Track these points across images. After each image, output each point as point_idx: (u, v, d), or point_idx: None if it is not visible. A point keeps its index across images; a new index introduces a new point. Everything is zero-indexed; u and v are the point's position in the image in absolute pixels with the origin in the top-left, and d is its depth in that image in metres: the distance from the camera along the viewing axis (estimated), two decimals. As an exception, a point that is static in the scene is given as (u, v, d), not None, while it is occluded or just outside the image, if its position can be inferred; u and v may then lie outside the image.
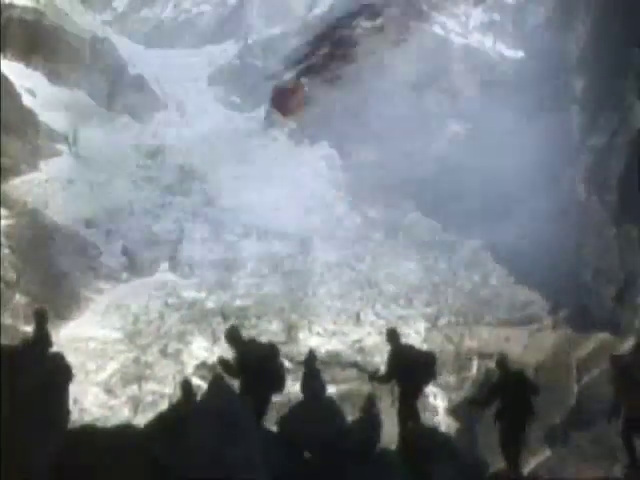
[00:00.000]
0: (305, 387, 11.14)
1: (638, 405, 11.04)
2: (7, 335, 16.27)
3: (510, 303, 24.15)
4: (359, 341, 22.52)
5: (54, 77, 32.05)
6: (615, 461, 15.15)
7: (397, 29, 33.11)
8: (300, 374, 11.51)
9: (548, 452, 19.01)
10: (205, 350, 21.34)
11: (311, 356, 11.66)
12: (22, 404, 8.96)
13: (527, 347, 22.11)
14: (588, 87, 25.77)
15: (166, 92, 34.56)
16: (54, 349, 10.25)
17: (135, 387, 20.48)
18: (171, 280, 25.03)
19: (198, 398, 10.26)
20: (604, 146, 24.21)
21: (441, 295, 24.68)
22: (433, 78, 31.11)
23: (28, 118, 28.53)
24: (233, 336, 10.94)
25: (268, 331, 21.80)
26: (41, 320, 10.47)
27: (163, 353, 21.67)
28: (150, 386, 20.51)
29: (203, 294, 24.30)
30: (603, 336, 21.60)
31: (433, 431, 13.30)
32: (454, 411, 20.43)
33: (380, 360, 16.76)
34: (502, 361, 11.53)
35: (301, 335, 22.55)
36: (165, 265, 25.63)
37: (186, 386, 10.86)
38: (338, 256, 26.01)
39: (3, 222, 23.29)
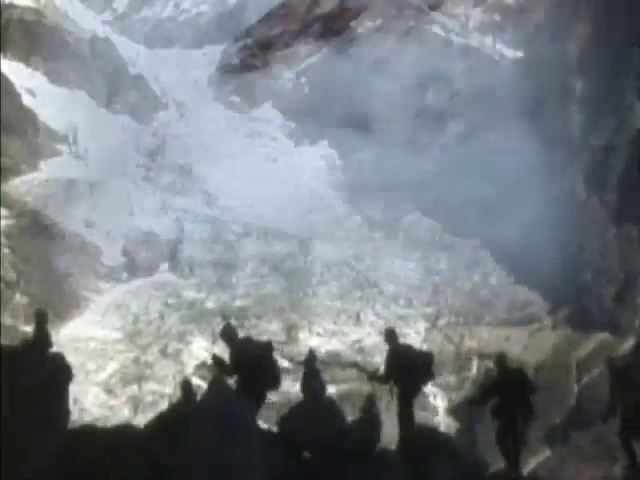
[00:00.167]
0: (305, 387, 11.15)
1: (634, 406, 11.08)
2: (7, 335, 16.25)
3: (510, 303, 24.16)
4: (359, 341, 22.53)
5: (54, 77, 32.00)
6: (615, 461, 15.15)
7: (397, 29, 33.10)
8: (300, 374, 11.51)
9: (548, 452, 19.01)
10: (205, 350, 21.32)
11: (311, 356, 11.66)
12: (22, 404, 8.96)
13: (527, 347, 22.11)
14: (588, 87, 25.77)
15: (166, 92, 34.55)
16: (54, 349, 10.25)
17: (135, 387, 20.49)
18: (171, 280, 25.03)
19: (198, 398, 10.28)
20: (604, 146, 24.21)
21: (441, 295, 24.69)
22: (433, 78, 31.09)
23: (28, 118, 28.51)
24: (228, 334, 10.97)
25: (268, 331, 21.80)
26: (41, 320, 10.48)
27: (163, 353, 21.68)
28: (150, 386, 20.52)
29: (203, 294, 24.30)
30: (603, 336, 21.60)
31: (433, 431, 13.32)
32: (454, 411, 20.44)
33: (380, 360, 16.73)
34: (501, 359, 11.55)
35: (301, 335, 22.56)
36: (165, 265, 25.63)
37: (186, 386, 10.88)
38: (338, 256, 26.01)
39: (3, 222, 23.28)
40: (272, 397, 11.45)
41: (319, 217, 28.26)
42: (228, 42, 37.48)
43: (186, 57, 37.25)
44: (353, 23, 34.26)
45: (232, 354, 10.61)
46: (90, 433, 9.92)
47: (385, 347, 11.93)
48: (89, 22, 37.21)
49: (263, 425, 10.85)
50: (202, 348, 21.55)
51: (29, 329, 14.91)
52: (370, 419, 11.09)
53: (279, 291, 24.50)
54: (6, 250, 22.52)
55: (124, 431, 10.26)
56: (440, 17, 33.18)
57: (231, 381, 10.47)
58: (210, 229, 26.98)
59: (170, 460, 8.98)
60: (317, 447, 10.41)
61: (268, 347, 11.01)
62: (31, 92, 30.20)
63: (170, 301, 23.85)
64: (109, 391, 20.25)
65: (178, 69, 36.16)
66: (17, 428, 8.81)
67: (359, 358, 21.69)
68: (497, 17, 32.61)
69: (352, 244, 26.90)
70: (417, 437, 11.35)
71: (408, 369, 11.33)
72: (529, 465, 17.00)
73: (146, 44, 39.30)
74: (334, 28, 34.71)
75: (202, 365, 20.64)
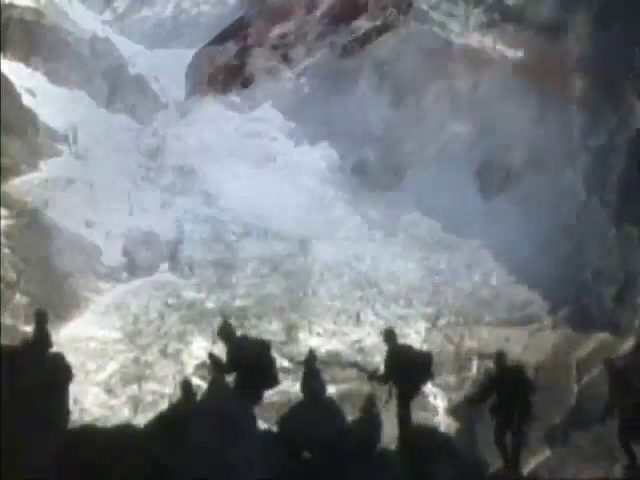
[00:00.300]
0: (305, 387, 11.16)
1: (632, 408, 11.08)
2: (7, 335, 16.24)
3: (510, 303, 24.15)
4: (359, 341, 22.53)
5: (54, 77, 32.01)
6: (615, 461, 15.14)
7: (397, 29, 33.10)
8: (300, 374, 11.51)
9: (548, 452, 19.01)
10: (205, 350, 21.23)
11: (311, 356, 11.68)
12: (22, 404, 8.96)
13: (527, 347, 22.11)
14: (588, 87, 25.77)
15: (166, 92, 34.56)
16: (54, 349, 10.25)
17: (135, 387, 20.49)
18: (171, 280, 25.03)
19: (198, 398, 10.28)
20: (604, 146, 24.22)
21: (441, 295, 24.68)
22: (433, 78, 31.07)
23: (28, 118, 28.52)
24: (226, 332, 10.98)
25: (268, 331, 21.80)
26: (41, 320, 10.48)
27: (163, 353, 21.67)
28: (150, 386, 20.52)
29: (203, 294, 24.30)
30: (603, 336, 21.60)
31: (433, 431, 13.34)
32: (454, 411, 20.43)
33: (380, 360, 16.73)
34: (500, 357, 11.56)
35: (301, 335, 22.56)
36: (165, 265, 25.62)
37: (186, 386, 10.88)
38: (338, 256, 26.01)
39: (3, 222, 23.28)
40: (272, 397, 11.45)
41: (319, 217, 28.25)
42: (228, 42, 37.45)
43: (186, 57, 37.22)
44: (353, 23, 34.26)
45: (229, 352, 10.62)
46: (90, 433, 9.94)
47: (385, 347, 11.94)
48: (89, 22, 37.26)
49: (263, 425, 10.85)
50: (202, 348, 21.52)
51: (29, 329, 14.89)
52: (370, 419, 11.11)
53: (279, 291, 24.49)
54: (6, 250, 22.51)
55: (124, 431, 10.28)
56: (440, 17, 33.17)
57: (229, 379, 10.49)
58: (210, 229, 26.98)
59: (170, 460, 9.00)
60: (317, 447, 10.42)
61: (265, 345, 11.01)
62: (31, 92, 30.21)
63: (170, 301, 23.85)
64: (109, 391, 20.25)
65: (178, 69, 36.13)
66: (17, 428, 8.82)
67: (359, 358, 21.68)
68: (497, 17, 32.58)
69: (352, 244, 26.89)
70: (417, 437, 11.36)
71: (407, 369, 11.34)
72: (529, 465, 17.00)
73: (146, 44, 39.32)
74: (334, 28, 34.73)
75: (202, 365, 20.62)
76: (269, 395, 10.95)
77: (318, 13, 35.69)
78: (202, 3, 41.92)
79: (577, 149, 25.17)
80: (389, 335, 11.86)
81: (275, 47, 35.24)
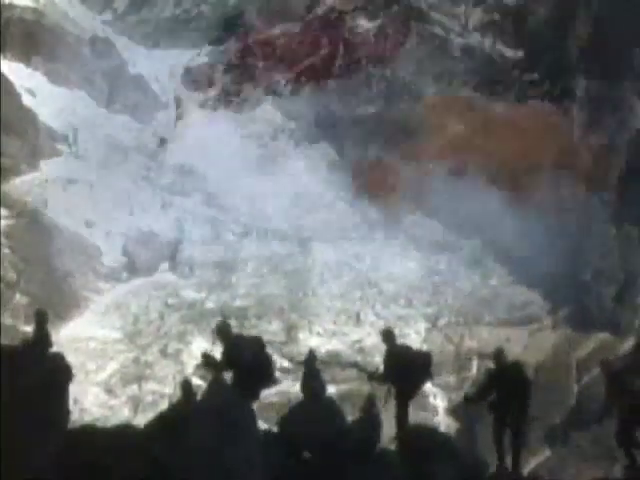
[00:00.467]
0: (305, 387, 11.15)
1: (628, 409, 11.08)
2: (7, 335, 16.25)
3: (510, 303, 24.17)
4: (359, 341, 22.53)
5: (54, 77, 31.96)
6: (615, 461, 15.13)
7: (397, 29, 33.10)
8: (300, 374, 11.51)
9: (548, 452, 19.02)
10: (205, 350, 21.31)
11: (311, 356, 11.67)
12: (22, 404, 8.96)
13: (527, 347, 22.13)
14: (588, 87, 25.78)
15: (166, 92, 34.54)
16: (54, 349, 10.25)
17: (135, 387, 20.49)
18: (171, 280, 25.03)
19: (198, 398, 10.28)
20: (604, 146, 24.24)
21: (441, 295, 24.69)
22: (433, 78, 31.08)
23: (28, 118, 28.48)
24: (223, 331, 10.99)
25: (268, 331, 21.79)
26: (41, 320, 10.48)
27: (163, 353, 21.68)
28: (150, 386, 20.52)
29: (203, 294, 24.30)
30: (603, 336, 21.63)
31: (433, 431, 13.33)
32: (454, 411, 20.44)
33: (380, 360, 16.75)
34: (499, 355, 11.55)
35: (301, 335, 22.57)
36: (165, 265, 25.63)
37: (186, 386, 10.88)
38: (338, 256, 26.01)
39: (3, 222, 23.27)
40: (272, 397, 11.45)
41: (319, 217, 28.24)
42: (228, 42, 37.45)
43: (186, 57, 37.18)
44: (353, 23, 34.25)
45: (225, 351, 10.64)
46: (90, 433, 9.92)
47: (384, 347, 11.95)
48: (89, 22, 37.18)
49: (263, 425, 10.84)
50: (202, 348, 21.47)
51: (29, 329, 14.90)
52: (370, 419, 11.10)
53: (279, 291, 24.49)
54: (6, 250, 22.51)
55: (124, 431, 10.26)
56: (440, 17, 33.17)
57: (226, 377, 10.49)
58: (210, 229, 26.98)
59: (170, 460, 8.98)
60: (317, 447, 10.41)
61: (261, 343, 11.00)
62: (31, 92, 30.17)
63: (170, 301, 23.85)
64: (109, 391, 20.25)
65: (178, 69, 36.11)
66: (17, 428, 8.81)
67: (359, 358, 21.68)
68: (497, 17, 32.59)
69: (352, 244, 26.89)
70: (417, 437, 11.36)
71: (406, 369, 11.36)
72: (529, 465, 16.99)
73: (146, 44, 39.27)
74: (334, 28, 34.72)
75: (202, 365, 20.63)
76: (269, 395, 10.96)
77: (319, 12, 35.70)
78: (202, 3, 41.83)
79: (577, 149, 25.19)
80: (388, 335, 11.88)
81: (275, 47, 35.23)
